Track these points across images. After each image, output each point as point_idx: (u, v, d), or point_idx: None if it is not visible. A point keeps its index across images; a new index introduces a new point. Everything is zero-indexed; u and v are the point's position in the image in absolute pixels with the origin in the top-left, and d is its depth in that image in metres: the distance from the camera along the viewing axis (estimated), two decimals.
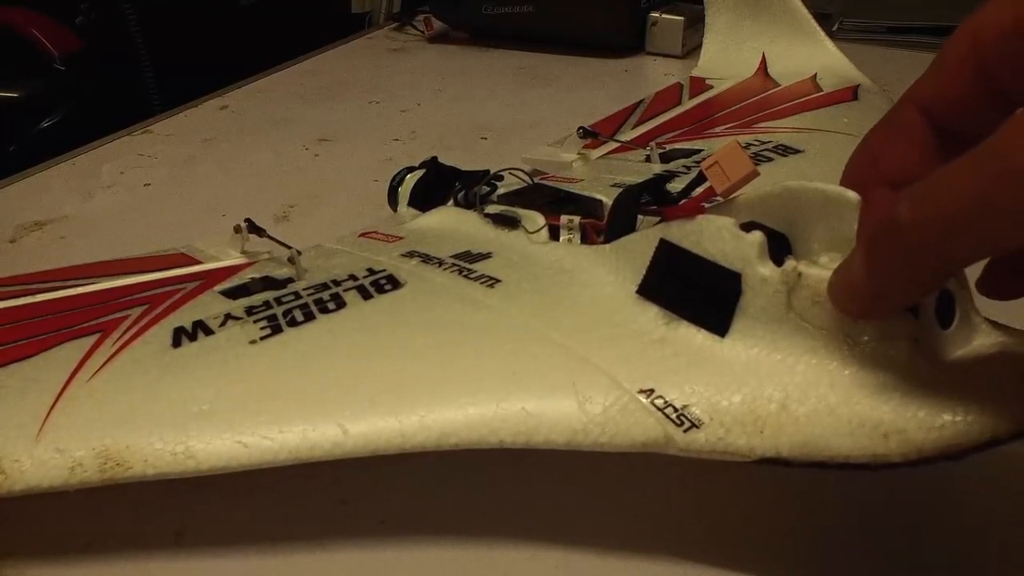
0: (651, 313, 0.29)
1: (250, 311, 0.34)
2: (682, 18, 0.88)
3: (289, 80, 0.88)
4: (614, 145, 0.56)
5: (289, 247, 0.40)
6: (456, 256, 0.38)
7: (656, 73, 0.85)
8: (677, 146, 0.53)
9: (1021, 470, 0.31)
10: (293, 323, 0.33)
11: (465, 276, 0.35)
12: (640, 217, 0.34)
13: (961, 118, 0.23)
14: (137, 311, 0.35)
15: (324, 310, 0.34)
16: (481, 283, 0.34)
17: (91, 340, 0.33)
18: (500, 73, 0.87)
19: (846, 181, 0.26)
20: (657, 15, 0.89)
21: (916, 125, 0.24)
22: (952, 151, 0.22)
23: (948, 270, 0.22)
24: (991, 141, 0.18)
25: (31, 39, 1.43)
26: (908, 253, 0.20)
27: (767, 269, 0.26)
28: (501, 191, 0.44)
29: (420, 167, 0.50)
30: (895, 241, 0.21)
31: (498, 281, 0.34)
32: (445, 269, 0.36)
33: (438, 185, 0.47)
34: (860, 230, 0.25)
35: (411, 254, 0.39)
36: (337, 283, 0.36)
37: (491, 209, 0.41)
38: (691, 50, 0.88)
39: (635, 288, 0.30)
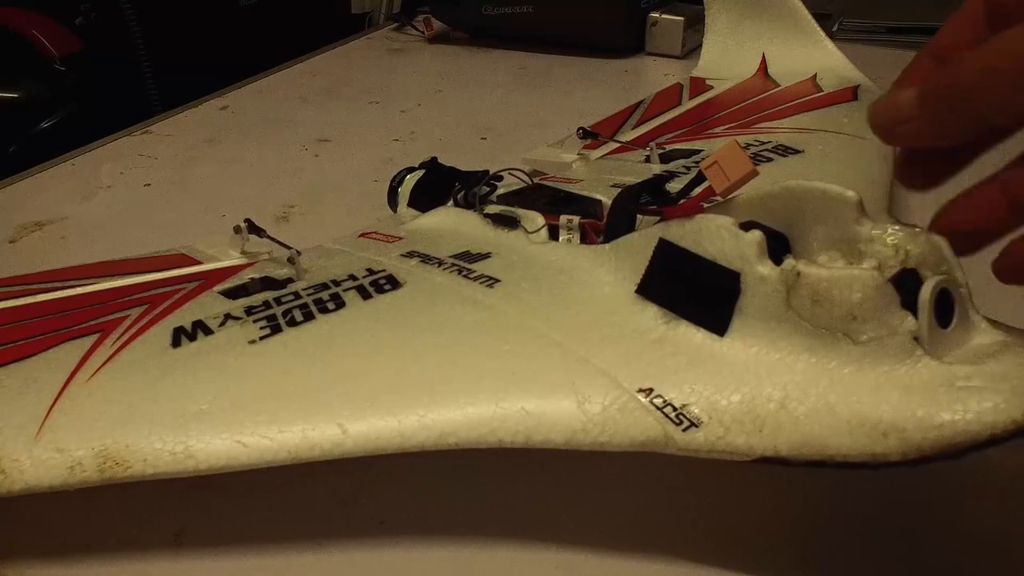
0: (650, 312, 0.29)
1: (250, 311, 0.34)
2: (682, 18, 0.88)
3: (289, 80, 0.88)
4: (614, 146, 0.56)
5: (289, 247, 0.40)
6: (456, 256, 0.38)
7: (656, 73, 0.85)
8: (677, 146, 0.53)
9: (1020, 469, 0.31)
10: (292, 323, 0.33)
11: (464, 276, 0.35)
12: (639, 217, 0.34)
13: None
14: (137, 311, 0.35)
15: (324, 310, 0.34)
16: (480, 283, 0.34)
17: (91, 340, 0.33)
18: (500, 73, 0.87)
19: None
20: (657, 15, 0.89)
21: (976, 5, 0.28)
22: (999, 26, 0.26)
23: (989, 119, 0.25)
24: None
25: (31, 40, 1.43)
26: (963, 93, 0.24)
27: (766, 268, 0.26)
28: (501, 191, 0.44)
29: (420, 167, 0.50)
30: (953, 80, 0.24)
31: (497, 281, 0.34)
32: (444, 269, 0.36)
33: (438, 185, 0.47)
34: (903, 78, 0.28)
35: (411, 254, 0.39)
36: (337, 283, 0.36)
37: (491, 209, 0.41)
38: (691, 50, 0.88)
39: (634, 288, 0.30)
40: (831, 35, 0.70)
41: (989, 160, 0.27)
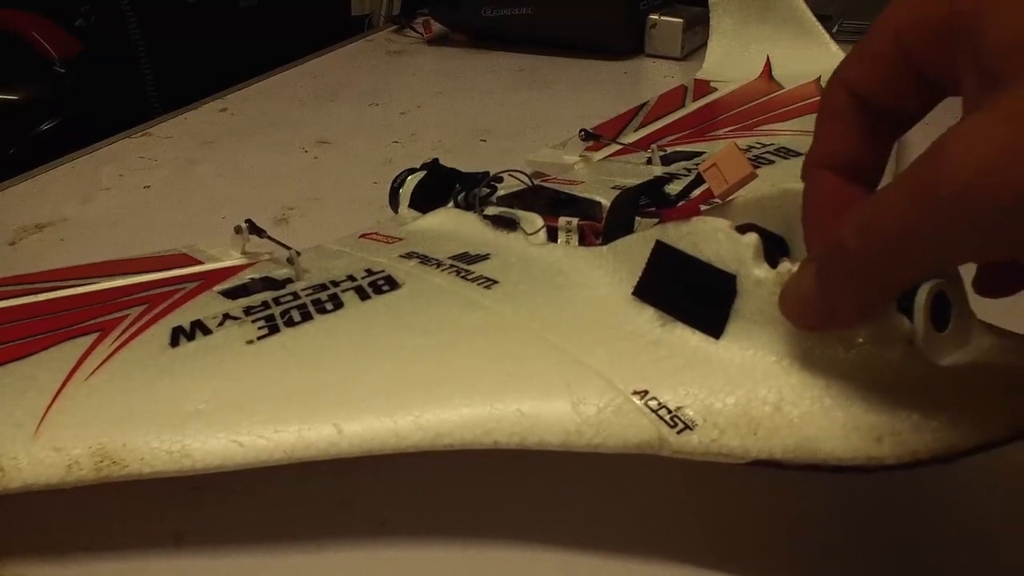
0: (647, 315, 0.29)
1: (248, 311, 0.35)
2: (681, 20, 0.88)
3: (289, 82, 0.88)
4: (616, 147, 0.56)
5: (289, 248, 0.40)
6: (454, 257, 0.38)
7: (655, 75, 0.85)
8: (679, 149, 0.53)
9: (1015, 472, 0.31)
10: (290, 323, 0.33)
11: (463, 277, 0.35)
12: (638, 219, 0.34)
13: (887, 100, 0.24)
14: (136, 311, 0.35)
15: (322, 310, 0.34)
16: (479, 284, 0.35)
17: (90, 339, 0.33)
18: (499, 75, 0.87)
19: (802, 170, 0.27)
20: (656, 17, 0.89)
21: (848, 107, 0.25)
22: (881, 129, 0.24)
23: (895, 289, 0.22)
24: (918, 167, 0.18)
25: (31, 41, 1.43)
26: (856, 276, 0.21)
27: (762, 271, 0.26)
28: (501, 193, 0.44)
29: (421, 169, 0.50)
30: (842, 265, 0.21)
31: (495, 282, 0.34)
32: (443, 270, 0.36)
33: (439, 187, 0.47)
34: (804, 216, 0.25)
35: (410, 255, 0.39)
36: (335, 284, 0.36)
37: (490, 211, 0.41)
38: (690, 52, 0.88)
39: (631, 290, 0.30)
40: (831, 36, 0.70)
41: None
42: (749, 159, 0.28)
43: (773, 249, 0.27)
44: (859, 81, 0.24)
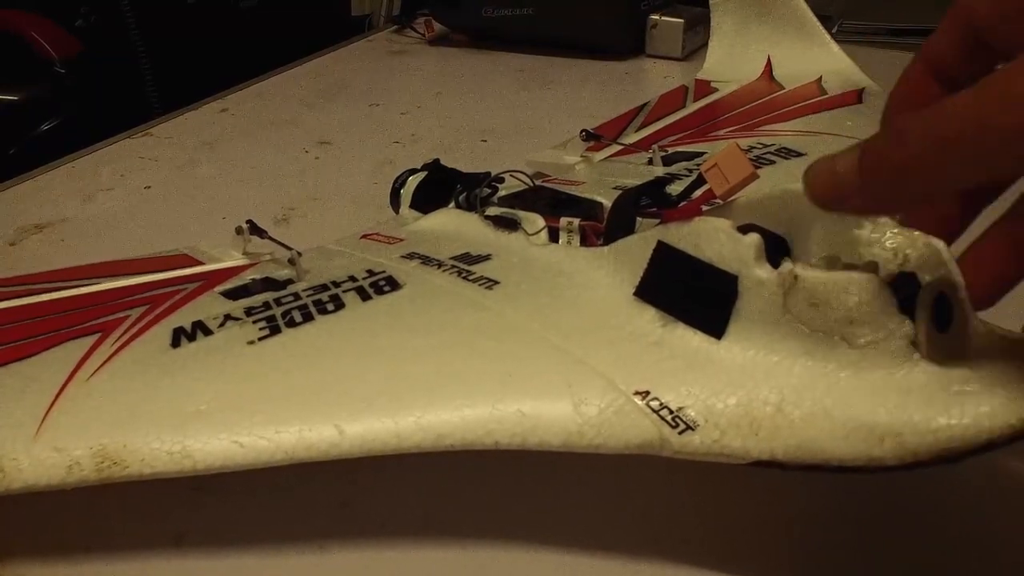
0: (648, 315, 0.29)
1: (249, 312, 0.34)
2: (682, 20, 0.88)
3: (289, 83, 0.88)
4: (617, 148, 0.56)
5: (290, 248, 0.40)
6: (456, 258, 0.38)
7: (656, 75, 0.85)
8: (680, 149, 0.53)
9: (1015, 472, 0.31)
10: (291, 324, 0.33)
11: (464, 278, 0.35)
12: (639, 219, 0.34)
13: (959, 73, 0.26)
14: (138, 311, 0.35)
15: (323, 311, 0.34)
16: (480, 285, 0.34)
17: (91, 340, 0.33)
18: (500, 75, 0.87)
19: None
20: (657, 17, 0.89)
21: (923, 80, 0.27)
22: (982, 53, 0.25)
23: (938, 186, 0.23)
24: (994, 74, 0.20)
25: (31, 42, 1.43)
26: (911, 166, 0.22)
27: (764, 271, 0.26)
28: (502, 193, 0.44)
29: (422, 169, 0.50)
30: (900, 151, 0.22)
31: (496, 283, 0.34)
32: (444, 271, 0.36)
33: (440, 187, 0.47)
34: (889, 98, 0.27)
35: (411, 256, 0.39)
36: (336, 284, 0.36)
37: (491, 211, 0.41)
38: (691, 52, 0.88)
39: (632, 290, 0.30)
40: (832, 37, 0.70)
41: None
42: (750, 159, 0.28)
43: (774, 250, 0.27)
44: (934, 53, 0.26)
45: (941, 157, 0.21)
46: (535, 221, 0.39)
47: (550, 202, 0.42)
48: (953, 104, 0.20)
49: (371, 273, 0.37)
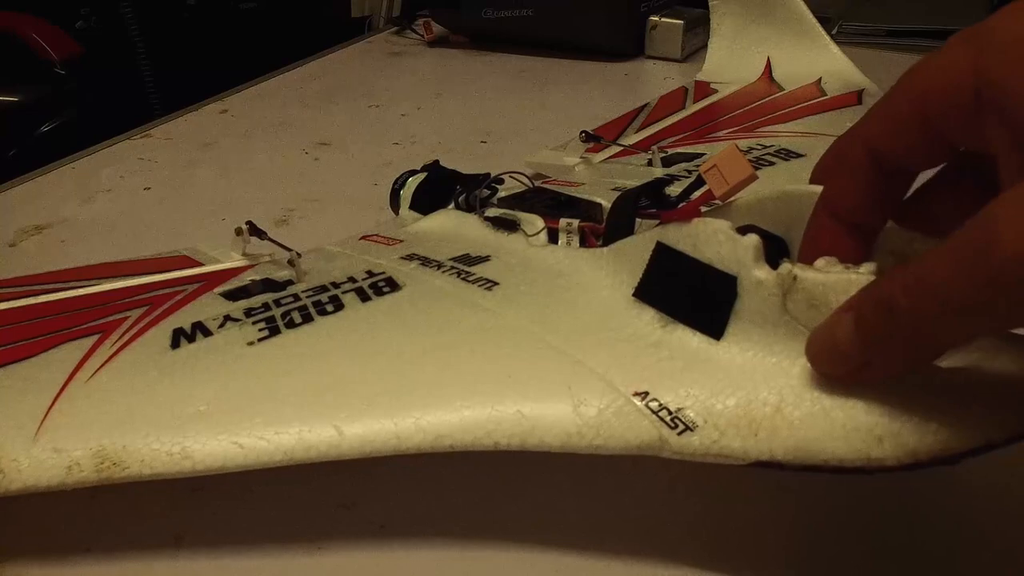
0: (647, 316, 0.29)
1: (249, 313, 0.35)
2: (681, 22, 0.88)
3: (289, 84, 0.88)
4: (617, 149, 0.56)
5: (289, 250, 0.40)
6: (455, 259, 0.38)
7: (656, 77, 0.85)
8: (680, 150, 0.53)
9: (1015, 473, 0.31)
10: (291, 325, 0.33)
11: (463, 279, 0.35)
12: (638, 220, 0.34)
13: (905, 159, 0.24)
14: (137, 312, 0.35)
15: (322, 312, 0.34)
16: (479, 286, 0.35)
17: (91, 341, 0.33)
18: (500, 77, 0.87)
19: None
20: (657, 19, 0.89)
21: (862, 164, 0.25)
22: (892, 186, 0.25)
23: (946, 348, 0.22)
24: (967, 235, 0.19)
25: (31, 44, 1.44)
26: (906, 336, 0.21)
27: (762, 272, 0.26)
28: (502, 194, 0.44)
29: (422, 170, 0.50)
30: (890, 324, 0.21)
31: (496, 284, 0.34)
32: (444, 272, 0.36)
33: (439, 188, 0.47)
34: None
35: (410, 257, 0.39)
36: (336, 285, 0.36)
37: (491, 212, 0.41)
38: (691, 54, 0.88)
39: (631, 291, 0.30)
40: (831, 38, 0.70)
41: None
42: (749, 161, 0.28)
43: (773, 250, 0.27)
44: (879, 140, 0.25)
45: (941, 327, 0.20)
46: (534, 222, 0.39)
47: (549, 203, 0.42)
48: (938, 270, 0.20)
49: (371, 274, 0.37)
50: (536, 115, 0.76)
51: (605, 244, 0.34)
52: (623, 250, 0.32)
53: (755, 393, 0.25)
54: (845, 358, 0.23)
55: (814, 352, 0.24)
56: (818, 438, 0.24)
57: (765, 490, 0.31)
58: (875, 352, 0.22)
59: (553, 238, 0.38)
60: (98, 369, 0.31)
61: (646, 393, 0.27)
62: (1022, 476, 0.31)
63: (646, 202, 0.35)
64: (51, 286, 0.39)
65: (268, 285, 0.37)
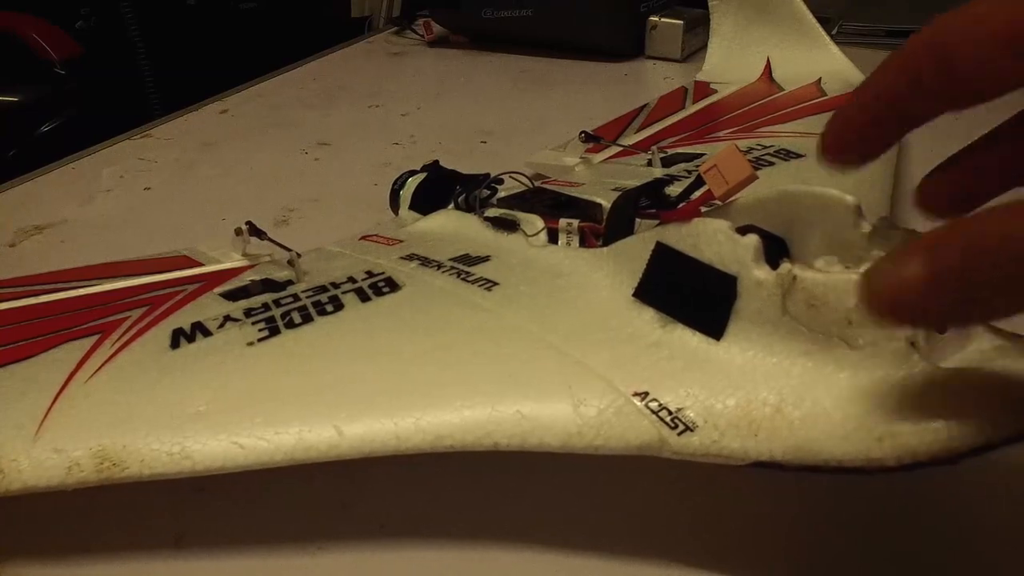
0: (647, 316, 0.29)
1: (248, 313, 0.35)
2: (681, 22, 0.88)
3: (289, 84, 0.88)
4: (617, 149, 0.56)
5: (289, 250, 0.40)
6: (455, 259, 0.38)
7: (656, 77, 0.85)
8: (679, 150, 0.53)
9: (1015, 473, 0.31)
10: (291, 325, 0.33)
11: (463, 279, 0.35)
12: (638, 221, 0.34)
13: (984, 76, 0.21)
14: (137, 312, 0.35)
15: (322, 312, 0.34)
16: (479, 286, 0.35)
17: (90, 341, 0.33)
18: (499, 77, 0.87)
19: None
20: (656, 19, 0.89)
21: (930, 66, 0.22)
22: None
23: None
24: None
25: (31, 44, 1.44)
26: (994, 281, 0.19)
27: (762, 272, 0.26)
28: (501, 195, 0.44)
29: (422, 171, 0.50)
30: (983, 265, 0.19)
31: (496, 284, 0.34)
32: (444, 272, 0.36)
33: (439, 188, 0.47)
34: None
35: (410, 257, 0.39)
36: (336, 285, 0.36)
37: (491, 212, 0.41)
38: (690, 54, 0.88)
39: (631, 291, 0.30)
40: (831, 38, 0.70)
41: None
42: (749, 161, 0.28)
43: (773, 251, 0.27)
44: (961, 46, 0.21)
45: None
46: (534, 222, 0.39)
47: (549, 203, 0.42)
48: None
49: (370, 274, 0.37)
50: (536, 115, 0.76)
51: (605, 244, 0.34)
52: (623, 250, 0.32)
53: (755, 393, 0.25)
54: (914, 299, 0.20)
55: (876, 287, 0.20)
56: (818, 438, 0.24)
57: (765, 490, 0.31)
58: (952, 295, 0.19)
59: (553, 238, 0.38)
60: (98, 369, 0.31)
61: (646, 393, 0.27)
62: (1022, 476, 0.31)
63: (646, 202, 0.35)
64: (51, 286, 0.39)
65: (268, 285, 0.37)
